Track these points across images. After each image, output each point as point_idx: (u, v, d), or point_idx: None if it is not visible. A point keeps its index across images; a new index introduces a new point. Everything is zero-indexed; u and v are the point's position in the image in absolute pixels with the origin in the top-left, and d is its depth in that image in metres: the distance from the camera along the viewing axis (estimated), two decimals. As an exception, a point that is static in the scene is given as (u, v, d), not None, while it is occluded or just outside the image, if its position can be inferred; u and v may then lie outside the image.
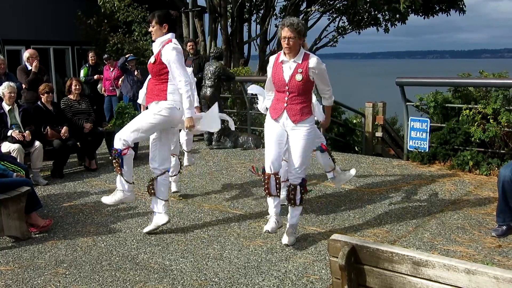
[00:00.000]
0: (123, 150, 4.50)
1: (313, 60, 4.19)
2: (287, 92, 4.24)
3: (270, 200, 4.45)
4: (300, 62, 4.20)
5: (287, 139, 4.35)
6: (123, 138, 4.51)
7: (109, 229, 4.91)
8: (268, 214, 4.53)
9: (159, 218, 4.70)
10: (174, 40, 4.52)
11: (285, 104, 4.26)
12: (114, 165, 4.59)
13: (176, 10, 13.79)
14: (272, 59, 4.39)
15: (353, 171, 5.62)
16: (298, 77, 4.18)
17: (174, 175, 5.86)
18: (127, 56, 10.21)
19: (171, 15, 4.63)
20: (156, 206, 4.71)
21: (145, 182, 6.54)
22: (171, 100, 4.49)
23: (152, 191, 4.70)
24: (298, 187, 4.31)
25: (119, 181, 4.62)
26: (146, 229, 4.75)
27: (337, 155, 7.87)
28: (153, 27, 4.52)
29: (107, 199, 4.70)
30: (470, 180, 6.27)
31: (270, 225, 4.38)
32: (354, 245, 2.14)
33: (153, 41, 4.62)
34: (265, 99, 4.81)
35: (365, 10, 15.06)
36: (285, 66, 4.25)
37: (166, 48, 4.43)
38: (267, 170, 4.36)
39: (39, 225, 4.82)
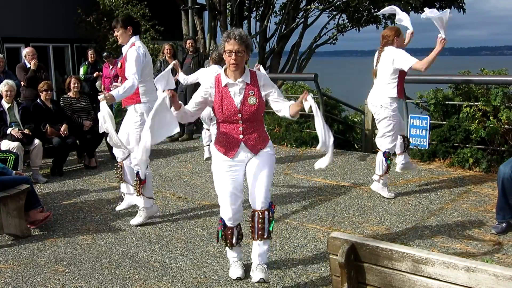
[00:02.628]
0: (146, 171, 4.78)
1: (262, 77, 3.54)
2: (240, 121, 3.48)
3: (231, 252, 3.78)
4: (249, 82, 3.48)
5: (244, 171, 3.62)
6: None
7: (109, 227, 4.91)
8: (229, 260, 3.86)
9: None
10: (138, 43, 4.73)
11: (241, 136, 3.50)
12: (137, 189, 4.84)
13: (175, 8, 13.81)
14: (211, 81, 3.55)
15: (391, 195, 5.60)
16: (252, 100, 3.46)
17: (208, 145, 7.12)
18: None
19: (134, 18, 4.91)
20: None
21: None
22: (145, 101, 4.73)
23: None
24: (267, 214, 3.54)
25: (141, 201, 4.86)
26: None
27: (337, 153, 7.87)
28: (118, 31, 4.76)
29: (135, 221, 4.91)
30: (470, 178, 6.27)
31: (237, 271, 3.72)
32: (353, 242, 2.14)
33: (121, 46, 4.88)
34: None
35: (364, 7, 15.05)
36: (232, 89, 3.47)
37: (129, 51, 4.66)
38: (228, 225, 3.65)
39: (39, 219, 4.82)
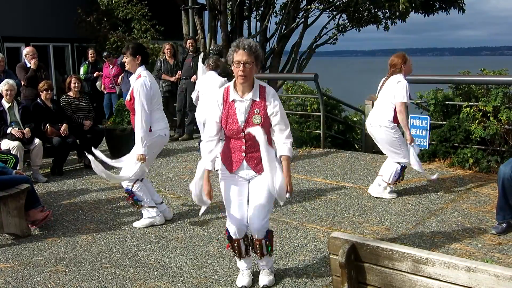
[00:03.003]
0: (132, 188, 4.79)
1: (270, 95, 3.38)
2: (244, 139, 3.39)
3: (241, 262, 3.73)
4: (257, 99, 3.35)
5: (248, 187, 3.57)
6: (126, 181, 4.81)
7: (109, 227, 4.91)
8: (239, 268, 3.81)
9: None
10: (144, 73, 4.72)
11: (243, 154, 3.44)
12: (134, 205, 4.91)
13: (176, 8, 13.83)
14: (219, 96, 3.44)
15: (393, 196, 5.59)
16: (256, 119, 3.33)
17: None
18: (127, 53, 10.20)
19: (144, 48, 4.95)
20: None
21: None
22: (155, 130, 4.77)
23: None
24: (264, 242, 3.55)
25: (145, 212, 4.90)
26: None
27: (337, 153, 7.88)
28: (127, 58, 4.77)
29: (138, 224, 4.93)
30: (470, 178, 6.27)
31: (244, 279, 3.68)
32: (354, 242, 2.14)
33: (130, 73, 4.93)
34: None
35: (365, 8, 15.06)
36: (238, 106, 3.37)
37: (135, 84, 4.67)
38: (233, 236, 3.58)
39: (39, 218, 4.82)
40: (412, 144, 5.38)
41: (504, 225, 4.46)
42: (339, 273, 2.17)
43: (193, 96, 7.27)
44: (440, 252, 4.10)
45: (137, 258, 4.14)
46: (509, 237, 4.39)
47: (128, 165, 4.71)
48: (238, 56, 3.26)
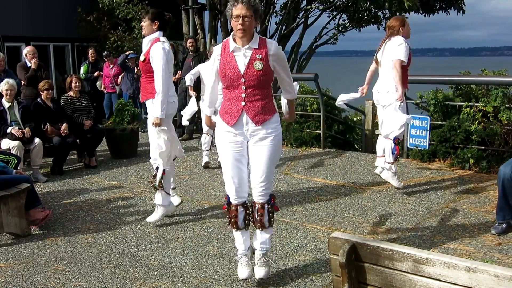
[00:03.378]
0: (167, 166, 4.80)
1: (273, 46, 3.37)
2: (243, 86, 3.33)
3: (238, 235, 3.62)
4: (257, 47, 3.34)
5: (247, 149, 3.49)
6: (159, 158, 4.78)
7: (109, 226, 4.91)
8: (237, 253, 3.72)
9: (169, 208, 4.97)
10: (162, 38, 4.70)
11: (243, 103, 3.36)
12: (158, 184, 4.80)
13: (176, 8, 13.82)
14: (217, 49, 3.45)
15: (400, 185, 5.65)
16: (258, 65, 3.30)
17: (207, 150, 7.03)
18: (127, 53, 10.23)
19: (165, 15, 4.84)
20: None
21: (144, 179, 6.55)
22: None
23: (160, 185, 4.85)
24: (266, 206, 3.48)
25: (159, 197, 4.83)
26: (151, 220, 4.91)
27: (337, 153, 7.88)
28: (144, 22, 4.74)
29: (151, 218, 4.87)
30: (470, 178, 6.27)
31: (244, 271, 3.58)
32: (354, 242, 2.14)
33: (143, 37, 4.82)
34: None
35: (365, 8, 15.06)
36: (238, 54, 3.35)
37: (153, 47, 4.63)
38: (233, 201, 3.52)
39: (39, 218, 4.82)
40: (401, 103, 5.35)
41: (504, 225, 4.46)
42: (339, 273, 2.17)
43: (188, 76, 7.01)
44: (440, 252, 4.10)
45: (137, 258, 4.15)
46: (509, 237, 4.39)
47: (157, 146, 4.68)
48: (237, 10, 3.26)
